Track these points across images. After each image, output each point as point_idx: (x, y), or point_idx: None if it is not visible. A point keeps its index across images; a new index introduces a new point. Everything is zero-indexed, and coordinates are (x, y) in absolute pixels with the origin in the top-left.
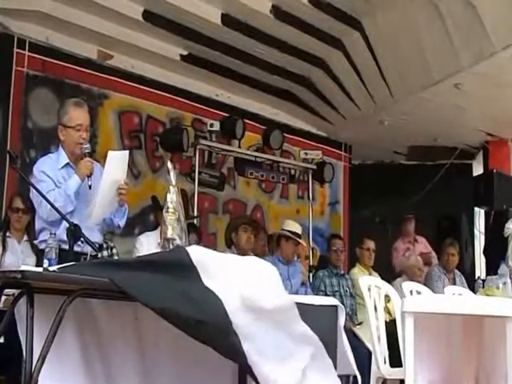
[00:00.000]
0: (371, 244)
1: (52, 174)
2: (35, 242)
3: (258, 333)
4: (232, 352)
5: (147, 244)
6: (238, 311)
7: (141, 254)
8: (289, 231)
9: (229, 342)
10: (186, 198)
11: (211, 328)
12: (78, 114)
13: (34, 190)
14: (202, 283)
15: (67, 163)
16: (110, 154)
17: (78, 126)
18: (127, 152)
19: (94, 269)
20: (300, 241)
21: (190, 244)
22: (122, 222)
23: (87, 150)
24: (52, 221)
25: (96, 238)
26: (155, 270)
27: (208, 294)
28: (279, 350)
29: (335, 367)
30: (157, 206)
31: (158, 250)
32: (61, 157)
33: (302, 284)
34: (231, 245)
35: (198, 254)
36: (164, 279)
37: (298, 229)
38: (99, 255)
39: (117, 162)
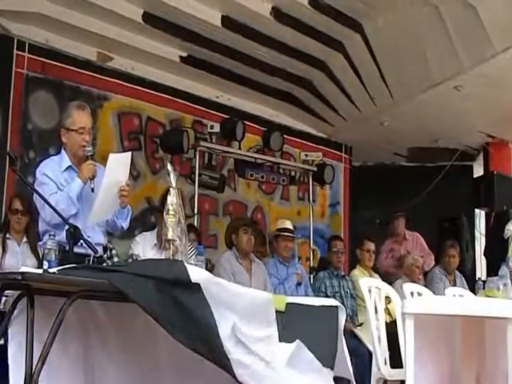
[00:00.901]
0: (371, 245)
1: (54, 177)
2: (39, 243)
3: (250, 361)
4: (225, 370)
5: (142, 245)
6: (229, 338)
7: (135, 253)
8: (278, 229)
9: (221, 363)
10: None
11: (204, 348)
12: (80, 117)
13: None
14: (204, 296)
15: (69, 166)
16: (112, 156)
17: (80, 129)
18: (130, 153)
19: (93, 271)
20: (289, 234)
21: (190, 243)
22: (125, 224)
23: (90, 153)
24: (56, 224)
25: (99, 239)
26: (155, 277)
27: (206, 311)
28: (279, 376)
29: (333, 368)
30: (152, 208)
31: (153, 252)
32: (63, 159)
33: (299, 284)
34: (232, 246)
35: (197, 273)
36: (164, 286)
37: (287, 224)
38: (104, 256)
39: (119, 164)
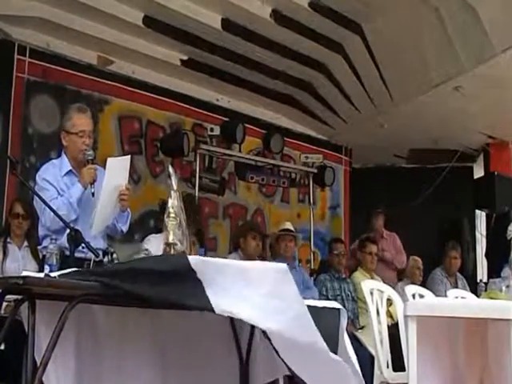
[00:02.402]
0: (373, 248)
1: (55, 182)
2: (39, 247)
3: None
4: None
5: (156, 244)
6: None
7: (148, 248)
8: (279, 231)
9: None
10: (194, 202)
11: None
12: (81, 120)
13: (37, 197)
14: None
15: (70, 170)
16: (110, 161)
17: (81, 132)
18: (128, 157)
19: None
20: (289, 233)
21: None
22: (125, 227)
23: (90, 157)
24: (56, 229)
25: (99, 244)
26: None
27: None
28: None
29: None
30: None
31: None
32: (63, 163)
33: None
34: (237, 248)
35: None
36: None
37: (288, 225)
38: (104, 260)
39: (117, 169)
